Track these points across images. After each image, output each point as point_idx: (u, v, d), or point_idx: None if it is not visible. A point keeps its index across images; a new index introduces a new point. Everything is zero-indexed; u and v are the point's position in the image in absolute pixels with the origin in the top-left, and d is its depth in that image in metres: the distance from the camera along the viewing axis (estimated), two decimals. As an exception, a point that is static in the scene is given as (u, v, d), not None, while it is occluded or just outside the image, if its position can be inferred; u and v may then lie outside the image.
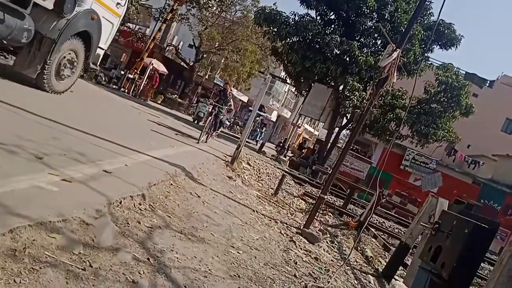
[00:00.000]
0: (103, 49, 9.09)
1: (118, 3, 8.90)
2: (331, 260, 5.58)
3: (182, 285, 2.81)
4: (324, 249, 5.96)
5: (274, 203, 7.64)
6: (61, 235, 2.49)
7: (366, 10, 17.83)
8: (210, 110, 12.76)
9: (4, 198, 2.52)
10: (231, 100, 12.38)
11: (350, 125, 20.78)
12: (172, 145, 8.07)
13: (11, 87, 6.83)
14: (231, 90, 13.25)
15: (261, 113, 26.36)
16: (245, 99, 39.50)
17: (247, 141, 14.88)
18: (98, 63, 9.16)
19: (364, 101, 16.39)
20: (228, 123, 24.41)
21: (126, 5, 9.46)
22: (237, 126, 30.56)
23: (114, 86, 21.11)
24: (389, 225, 12.37)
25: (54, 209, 2.62)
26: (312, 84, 19.14)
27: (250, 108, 31.32)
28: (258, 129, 26.59)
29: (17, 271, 2.04)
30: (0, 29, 6.04)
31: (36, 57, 7.01)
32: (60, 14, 6.98)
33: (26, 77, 7.18)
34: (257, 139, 26.08)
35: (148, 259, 2.91)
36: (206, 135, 11.11)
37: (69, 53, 7.66)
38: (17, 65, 7.18)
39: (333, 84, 18.76)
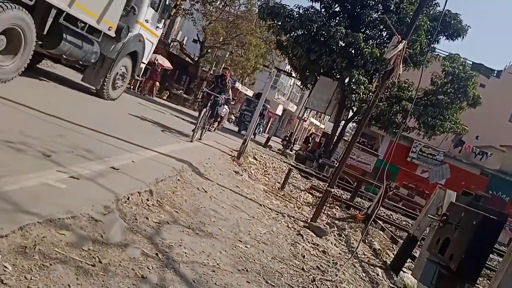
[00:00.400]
0: (144, 63, 10.97)
1: (157, 27, 10.84)
2: (339, 253, 5.59)
3: (190, 280, 2.83)
4: (331, 242, 5.97)
5: (281, 197, 7.65)
6: (70, 231, 2.51)
7: (371, 1, 17.67)
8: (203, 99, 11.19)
9: (13, 195, 2.55)
10: (230, 89, 10.66)
11: (356, 118, 20.66)
12: (178, 141, 8.09)
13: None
14: (231, 78, 11.19)
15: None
16: (250, 93, 39.45)
17: (241, 134, 14.34)
18: (141, 74, 11.36)
19: (370, 93, 16.30)
20: (233, 117, 20.85)
21: (163, 27, 11.56)
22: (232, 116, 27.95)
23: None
24: (396, 217, 12.34)
25: (62, 206, 2.65)
26: (318, 77, 19.05)
27: (249, 97, 27.41)
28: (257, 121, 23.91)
29: (27, 267, 2.07)
30: (79, 53, 7.96)
31: (100, 73, 9.04)
32: (118, 39, 8.97)
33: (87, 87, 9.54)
34: (255, 132, 22.32)
35: (157, 254, 2.93)
36: (201, 130, 9.47)
37: (121, 69, 9.66)
38: (85, 79, 9.26)
39: (338, 77, 18.66)
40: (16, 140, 3.68)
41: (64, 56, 7.93)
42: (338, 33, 16.62)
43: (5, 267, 1.97)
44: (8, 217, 2.26)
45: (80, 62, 8.59)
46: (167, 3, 10.84)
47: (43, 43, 6.97)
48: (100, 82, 9.11)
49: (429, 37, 17.61)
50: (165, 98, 25.14)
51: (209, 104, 9.44)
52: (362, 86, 17.01)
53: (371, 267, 5.78)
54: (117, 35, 8.79)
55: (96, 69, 9.00)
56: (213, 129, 11.15)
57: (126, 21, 9.09)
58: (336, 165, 9.92)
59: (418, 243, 6.54)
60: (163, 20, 11.17)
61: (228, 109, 12.27)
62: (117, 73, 9.53)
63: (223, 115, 11.28)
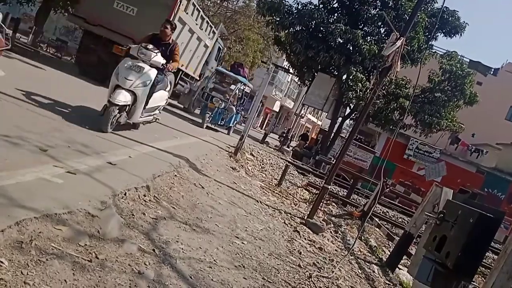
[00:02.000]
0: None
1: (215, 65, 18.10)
2: (335, 250, 5.60)
3: (187, 276, 2.83)
4: (328, 239, 5.97)
5: (278, 194, 7.64)
6: (67, 227, 2.50)
7: (369, -3, 17.68)
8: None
9: (10, 190, 2.54)
10: None
11: (353, 114, 20.68)
12: (175, 136, 8.08)
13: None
14: None
15: (240, 78, 14.40)
16: (247, 89, 39.21)
17: (208, 127, 12.30)
18: None
19: (368, 90, 16.29)
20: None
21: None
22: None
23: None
24: (392, 214, 12.38)
25: (59, 201, 2.64)
26: (315, 74, 19.03)
27: (220, 69, 16.15)
28: (234, 107, 13.64)
29: (24, 263, 2.06)
30: (182, 89, 15.51)
31: (188, 98, 16.40)
32: (198, 79, 16.53)
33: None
34: (231, 124, 13.91)
35: (154, 250, 2.93)
36: None
37: (198, 95, 14.72)
38: (180, 102, 16.90)
39: (336, 73, 18.66)
40: (13, 134, 3.65)
41: (176, 91, 14.76)
42: (337, 30, 16.60)
43: (1, 262, 1.96)
44: (4, 212, 2.24)
45: (181, 94, 16.13)
46: (221, 55, 19.27)
47: None
48: (188, 103, 16.56)
49: (427, 34, 17.63)
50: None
51: None
52: (359, 83, 17.01)
53: (367, 264, 5.79)
54: (199, 77, 16.32)
55: (186, 96, 16.37)
56: None
57: (202, 69, 16.50)
58: (333, 162, 9.91)
59: (414, 240, 6.56)
60: (219, 66, 19.05)
61: None
62: (196, 98, 15.20)
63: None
